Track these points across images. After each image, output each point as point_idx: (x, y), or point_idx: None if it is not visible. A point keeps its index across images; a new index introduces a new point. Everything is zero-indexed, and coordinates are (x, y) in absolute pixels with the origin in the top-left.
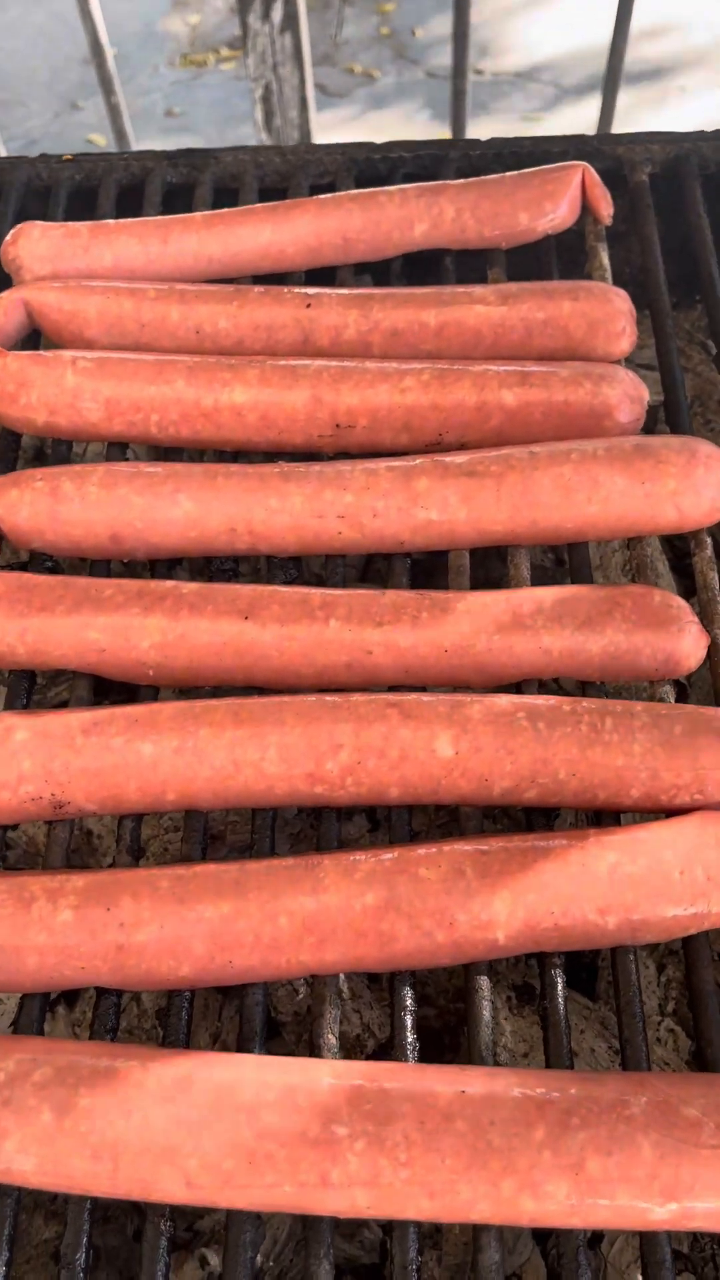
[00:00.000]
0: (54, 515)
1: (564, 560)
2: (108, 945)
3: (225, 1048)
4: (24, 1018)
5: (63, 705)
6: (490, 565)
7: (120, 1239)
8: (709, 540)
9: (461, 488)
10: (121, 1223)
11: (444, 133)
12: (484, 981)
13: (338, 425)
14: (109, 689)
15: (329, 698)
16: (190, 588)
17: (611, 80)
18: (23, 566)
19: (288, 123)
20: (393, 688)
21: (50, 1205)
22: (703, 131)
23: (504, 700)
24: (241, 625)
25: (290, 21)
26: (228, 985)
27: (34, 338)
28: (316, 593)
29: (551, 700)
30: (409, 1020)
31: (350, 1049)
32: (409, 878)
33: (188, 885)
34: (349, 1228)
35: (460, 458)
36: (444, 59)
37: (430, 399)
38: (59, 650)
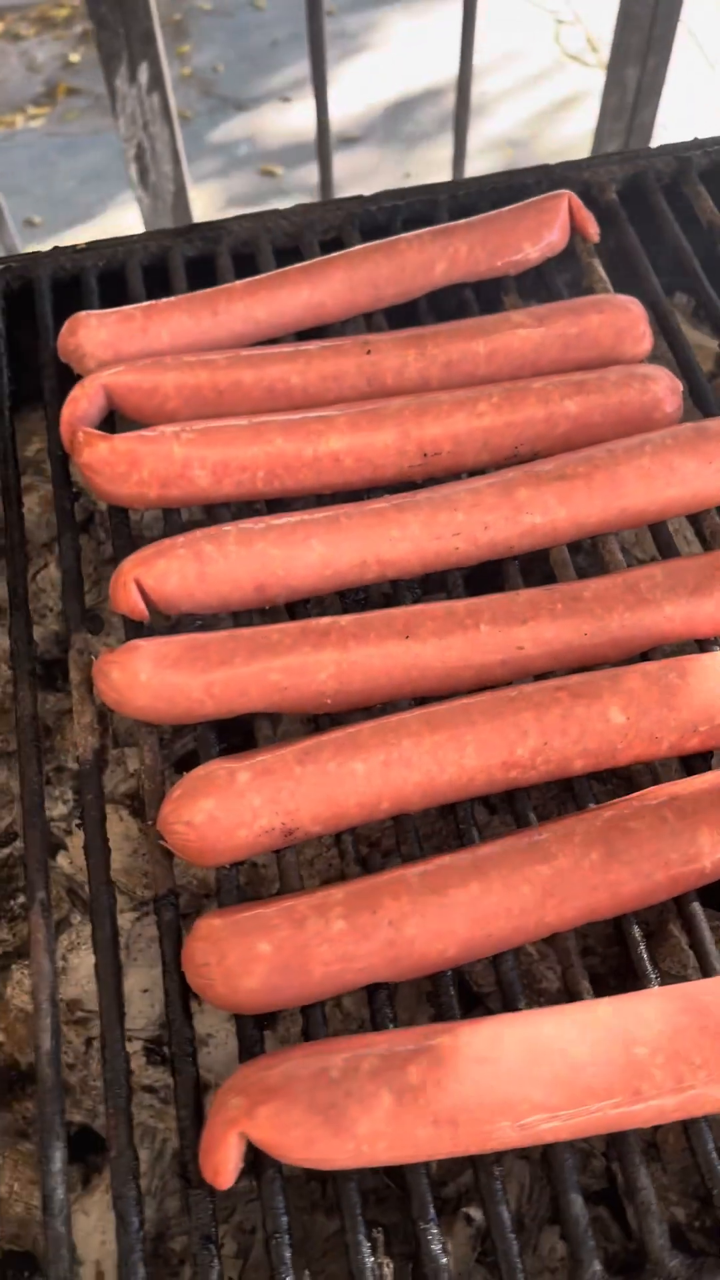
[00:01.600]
0: (202, 577)
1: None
2: (381, 944)
3: None
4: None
5: (192, 755)
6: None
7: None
8: None
9: (557, 491)
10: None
11: (275, 167)
12: (697, 907)
13: (425, 455)
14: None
15: (504, 692)
16: (346, 620)
17: (460, 121)
18: (172, 629)
19: (162, 177)
20: (539, 675)
21: (323, 1201)
22: (650, 148)
23: (653, 666)
24: (405, 644)
25: (156, 81)
26: (486, 957)
27: (108, 419)
28: (460, 604)
29: (694, 658)
30: (645, 954)
31: (553, 999)
32: (622, 831)
33: (434, 877)
34: (579, 1160)
35: (548, 465)
36: (250, 91)
37: (504, 419)
38: (245, 697)
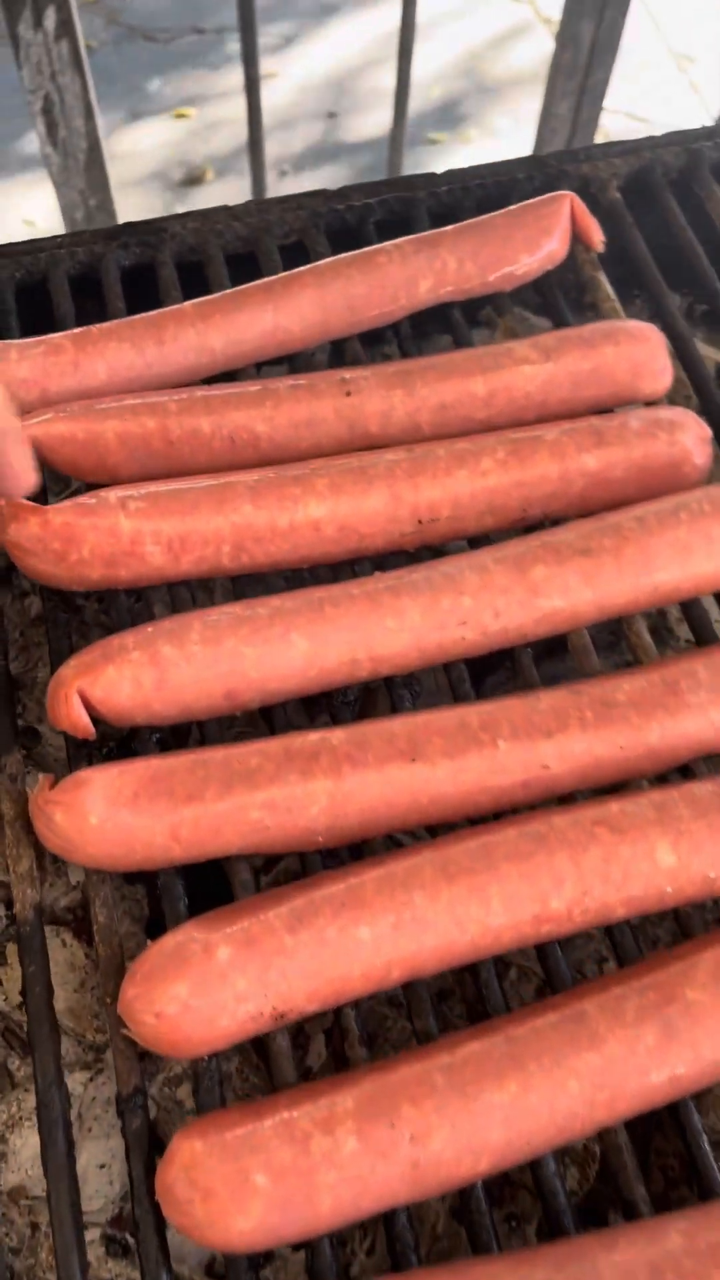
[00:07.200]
0: (160, 685)
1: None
2: (402, 1164)
3: None
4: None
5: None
6: None
7: None
8: None
9: (580, 568)
10: None
11: (188, 109)
12: None
13: (420, 521)
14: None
15: (531, 825)
16: (339, 736)
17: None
18: (125, 740)
19: (73, 133)
20: (563, 797)
21: None
22: (654, 137)
23: (702, 789)
24: (410, 768)
25: (65, 27)
26: (522, 1165)
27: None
28: (472, 713)
29: None
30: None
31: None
32: (682, 1007)
33: (463, 1073)
34: None
35: (568, 534)
36: (159, 21)
37: (512, 477)
38: (219, 839)
